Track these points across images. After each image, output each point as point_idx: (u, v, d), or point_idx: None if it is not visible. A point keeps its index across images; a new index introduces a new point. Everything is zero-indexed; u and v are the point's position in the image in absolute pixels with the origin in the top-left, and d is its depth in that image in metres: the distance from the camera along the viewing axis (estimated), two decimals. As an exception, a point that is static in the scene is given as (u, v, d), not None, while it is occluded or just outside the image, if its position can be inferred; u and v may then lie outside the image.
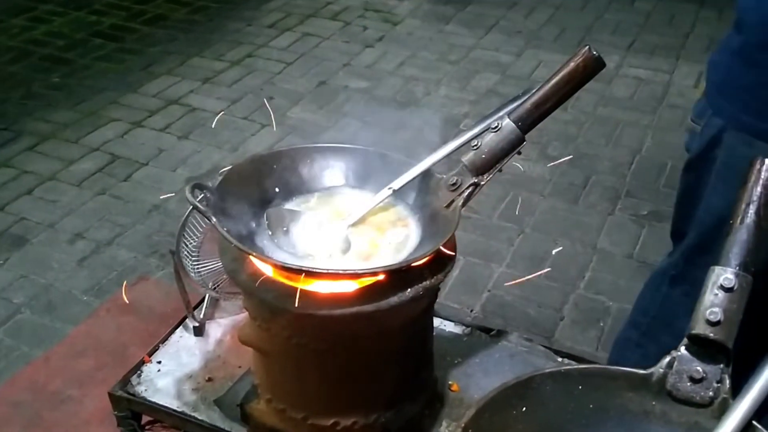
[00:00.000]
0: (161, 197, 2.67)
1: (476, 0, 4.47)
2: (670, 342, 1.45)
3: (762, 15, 1.22)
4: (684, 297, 1.42)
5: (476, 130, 1.23)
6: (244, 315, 1.43)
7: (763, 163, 0.99)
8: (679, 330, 1.42)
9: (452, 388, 1.50)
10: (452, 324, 1.67)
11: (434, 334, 1.45)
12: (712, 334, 0.93)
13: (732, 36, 1.30)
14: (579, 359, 1.61)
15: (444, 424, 1.42)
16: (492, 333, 1.64)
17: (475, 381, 1.51)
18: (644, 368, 0.97)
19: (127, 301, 2.19)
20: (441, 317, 1.67)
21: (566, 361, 1.60)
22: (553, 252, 2.51)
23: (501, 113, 1.23)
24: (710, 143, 1.33)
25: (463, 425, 0.91)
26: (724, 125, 1.30)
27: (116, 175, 2.89)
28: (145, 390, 1.51)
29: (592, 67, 1.16)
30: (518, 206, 2.74)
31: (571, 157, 2.88)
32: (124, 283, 2.29)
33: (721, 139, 1.31)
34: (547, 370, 1.00)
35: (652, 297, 1.56)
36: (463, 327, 1.67)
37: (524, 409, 0.96)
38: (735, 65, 1.28)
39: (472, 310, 2.29)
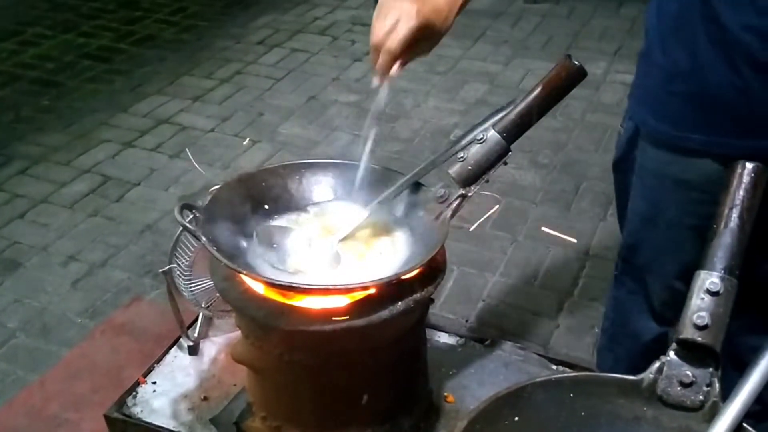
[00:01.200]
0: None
1: (462, 11, 4.48)
2: (630, 343, 1.46)
3: (650, 21, 1.21)
4: (630, 296, 1.42)
5: (462, 143, 1.24)
6: (237, 333, 1.43)
7: (744, 167, 1.00)
8: (635, 330, 1.43)
9: (448, 400, 1.49)
10: (446, 335, 1.67)
11: (428, 345, 1.45)
12: (699, 338, 0.94)
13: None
14: (574, 366, 1.61)
15: (440, 436, 1.42)
16: (486, 343, 1.64)
17: (471, 392, 1.51)
18: (626, 373, 0.98)
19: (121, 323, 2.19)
20: (435, 328, 1.67)
21: (561, 368, 1.60)
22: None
23: (486, 125, 1.24)
24: (628, 144, 1.32)
25: (455, 437, 0.92)
26: (637, 127, 1.30)
27: (108, 196, 2.90)
28: (141, 411, 1.51)
29: (574, 77, 1.18)
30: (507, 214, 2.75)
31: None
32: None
33: (636, 141, 1.30)
34: (538, 380, 1.00)
35: (608, 301, 1.56)
36: (457, 338, 1.67)
37: (516, 419, 0.97)
38: (639, 68, 1.26)
39: (467, 320, 2.29)
